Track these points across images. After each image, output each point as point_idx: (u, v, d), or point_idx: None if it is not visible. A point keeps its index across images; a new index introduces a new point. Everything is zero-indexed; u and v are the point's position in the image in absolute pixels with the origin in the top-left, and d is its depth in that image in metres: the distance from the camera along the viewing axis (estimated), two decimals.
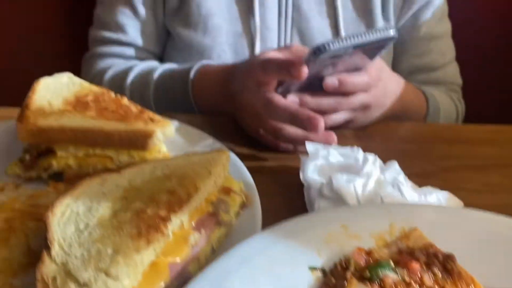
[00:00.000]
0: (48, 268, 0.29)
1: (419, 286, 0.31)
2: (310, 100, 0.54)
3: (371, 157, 0.46)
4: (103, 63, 0.77)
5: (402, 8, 0.79)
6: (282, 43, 0.77)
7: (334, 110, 0.56)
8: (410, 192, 0.43)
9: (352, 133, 0.60)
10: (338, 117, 0.57)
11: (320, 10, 0.77)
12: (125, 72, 0.73)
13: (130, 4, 0.76)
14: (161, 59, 0.81)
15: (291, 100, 0.53)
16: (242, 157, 0.48)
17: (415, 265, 0.32)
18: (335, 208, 0.40)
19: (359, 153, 0.48)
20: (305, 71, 0.49)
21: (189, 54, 0.77)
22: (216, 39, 0.75)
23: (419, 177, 0.49)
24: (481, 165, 0.57)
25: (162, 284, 0.30)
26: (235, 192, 0.39)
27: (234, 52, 0.76)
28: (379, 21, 0.78)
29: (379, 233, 0.35)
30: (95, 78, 0.74)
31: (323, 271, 0.33)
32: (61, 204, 0.34)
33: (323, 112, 0.53)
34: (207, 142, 0.48)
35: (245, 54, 0.76)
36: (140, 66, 0.74)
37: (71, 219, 0.33)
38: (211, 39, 0.74)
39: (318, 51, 0.48)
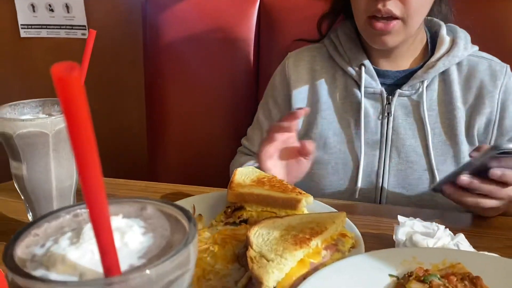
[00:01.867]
0: (251, 253, 0.58)
1: None
2: (476, 182, 0.75)
3: (442, 227, 0.69)
4: (237, 156, 1.17)
5: (484, 133, 1.00)
6: (383, 157, 1.01)
7: (491, 195, 0.77)
8: (466, 249, 0.64)
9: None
10: (491, 202, 0.77)
11: (413, 134, 1.01)
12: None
13: (260, 127, 1.13)
14: None
15: (464, 179, 0.75)
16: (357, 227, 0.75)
17: (453, 278, 0.54)
18: (411, 247, 0.64)
19: (437, 226, 0.70)
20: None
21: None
22: (331, 155, 1.03)
23: (486, 249, 0.69)
24: None
25: (306, 270, 0.57)
26: (348, 237, 0.66)
27: (344, 165, 1.02)
28: (464, 145, 0.99)
29: (436, 263, 0.58)
30: (233, 164, 1.14)
31: (397, 277, 0.56)
32: (253, 229, 0.64)
33: (482, 195, 0.76)
34: (329, 208, 0.76)
35: (353, 166, 1.02)
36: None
37: (259, 235, 0.63)
38: (328, 155, 1.03)
39: (495, 148, 0.70)
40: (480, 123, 1.00)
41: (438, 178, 0.98)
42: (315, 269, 0.58)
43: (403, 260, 0.58)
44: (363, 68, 1.02)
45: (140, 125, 1.67)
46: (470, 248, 0.66)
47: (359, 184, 1.01)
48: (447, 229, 0.70)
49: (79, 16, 1.94)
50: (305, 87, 1.08)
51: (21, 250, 0.29)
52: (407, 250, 0.60)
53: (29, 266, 0.28)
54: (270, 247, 0.59)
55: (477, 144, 1.00)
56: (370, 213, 0.85)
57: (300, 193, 0.74)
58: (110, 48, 1.92)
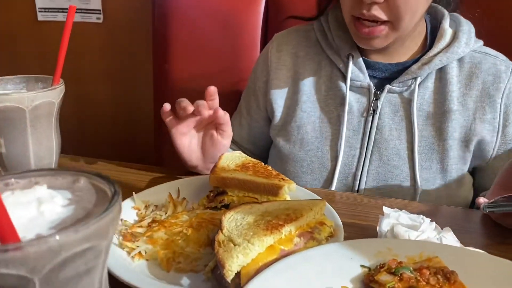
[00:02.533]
0: (220, 237, 0.57)
1: (426, 283, 0.50)
2: None
3: (427, 220, 0.66)
4: None
5: (486, 142, 0.91)
6: (363, 159, 0.93)
7: None
8: (449, 243, 0.61)
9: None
10: None
11: (399, 135, 0.92)
12: None
13: (239, 115, 1.09)
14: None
15: None
16: (341, 216, 0.72)
17: (426, 271, 0.51)
18: (388, 238, 0.61)
19: (423, 218, 0.67)
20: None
21: (286, 162, 0.97)
22: (308, 153, 0.95)
23: (474, 245, 0.66)
24: None
25: (274, 257, 0.56)
26: (326, 225, 0.64)
27: (320, 164, 0.95)
28: (454, 151, 0.90)
29: (412, 256, 0.55)
30: None
31: (369, 268, 0.54)
32: (229, 213, 0.63)
33: None
34: (313, 195, 0.74)
35: (329, 166, 0.94)
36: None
37: (233, 220, 0.61)
38: (304, 152, 0.96)
39: None
40: (480, 130, 0.90)
41: (420, 186, 0.90)
42: (285, 256, 0.56)
43: (377, 252, 0.56)
44: (350, 58, 0.94)
45: (149, 111, 1.67)
46: (456, 243, 0.63)
47: (334, 186, 0.94)
48: (434, 222, 0.67)
49: (94, 0, 1.95)
50: (287, 74, 1.00)
51: None
52: (382, 241, 0.58)
53: None
54: (240, 231, 0.57)
55: (471, 152, 0.92)
56: (361, 204, 0.82)
57: (283, 179, 0.72)
58: (122, 33, 1.93)
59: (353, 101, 0.95)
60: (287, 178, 0.73)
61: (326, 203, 0.69)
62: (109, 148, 2.05)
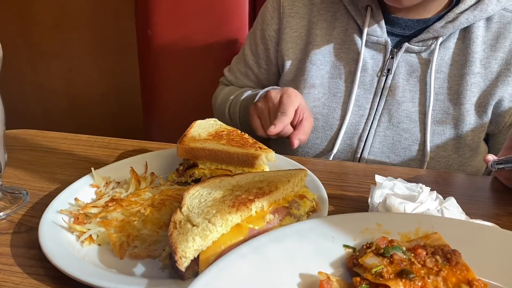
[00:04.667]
0: (178, 216, 0.48)
1: (422, 266, 0.41)
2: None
3: (427, 189, 0.57)
4: (219, 89, 1.06)
5: (505, 107, 0.83)
6: (371, 120, 0.87)
7: None
8: (452, 216, 0.52)
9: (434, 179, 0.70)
10: None
11: (413, 97, 0.85)
12: (227, 93, 1.00)
13: (244, 61, 1.02)
14: None
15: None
16: (328, 187, 0.63)
17: (421, 251, 0.42)
18: (378, 212, 0.52)
19: (421, 188, 0.58)
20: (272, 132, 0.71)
21: None
22: (313, 109, 0.89)
23: (482, 217, 0.56)
24: None
25: (241, 238, 0.47)
26: (308, 199, 0.54)
27: (325, 122, 0.89)
28: (470, 115, 0.83)
29: (405, 232, 0.46)
30: (215, 97, 1.05)
31: (354, 249, 0.45)
32: (194, 188, 0.54)
33: None
34: (297, 165, 0.65)
35: (334, 126, 0.88)
36: (240, 90, 0.98)
37: (197, 196, 0.52)
38: (310, 108, 0.88)
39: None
40: (501, 93, 0.82)
41: (428, 154, 0.84)
42: (255, 236, 0.47)
43: (364, 228, 0.47)
44: (369, 10, 0.86)
45: (136, 80, 1.58)
46: (460, 216, 0.54)
47: (337, 147, 0.88)
48: (434, 191, 0.57)
49: None
50: (300, 23, 0.92)
51: None
52: (371, 216, 0.49)
53: None
54: (202, 210, 0.49)
55: (489, 117, 0.84)
56: (353, 172, 0.73)
57: (261, 148, 0.63)
58: (108, 2, 1.83)
59: (368, 58, 0.87)
60: (266, 147, 0.64)
61: (309, 172, 0.60)
62: (100, 120, 1.98)
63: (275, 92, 0.79)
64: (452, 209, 0.54)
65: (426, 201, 0.55)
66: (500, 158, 0.61)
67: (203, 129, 0.69)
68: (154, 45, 1.36)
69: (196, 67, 1.34)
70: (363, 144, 0.88)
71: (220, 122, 0.72)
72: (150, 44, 1.38)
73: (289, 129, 0.76)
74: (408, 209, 0.53)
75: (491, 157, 0.63)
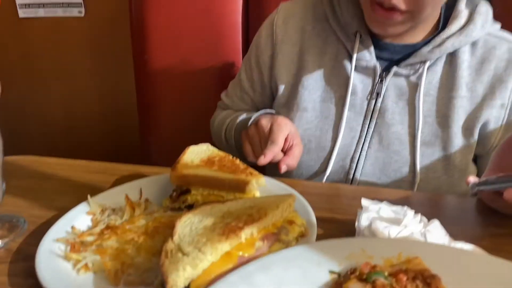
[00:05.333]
0: (169, 245, 0.50)
1: None
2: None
3: (411, 212, 0.58)
4: (216, 113, 1.09)
5: (489, 129, 0.86)
6: (362, 142, 0.89)
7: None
8: (434, 240, 0.53)
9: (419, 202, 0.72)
10: None
11: (402, 119, 0.87)
12: (224, 116, 1.02)
13: (240, 86, 1.04)
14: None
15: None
16: (318, 210, 0.65)
17: (403, 277, 0.44)
18: (362, 237, 0.54)
19: (407, 211, 0.60)
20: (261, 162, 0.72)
21: None
22: (306, 132, 0.91)
23: (465, 238, 0.58)
24: None
25: (231, 265, 0.48)
26: (296, 224, 0.56)
27: (318, 144, 0.91)
28: (457, 139, 0.85)
29: (388, 257, 0.48)
30: (213, 120, 1.08)
31: (339, 274, 0.47)
32: (186, 216, 0.56)
33: None
34: (287, 190, 0.67)
35: (326, 148, 0.90)
36: (236, 114, 1.00)
37: (188, 224, 0.54)
38: (302, 131, 0.91)
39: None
40: (486, 116, 0.85)
41: (418, 175, 0.86)
42: (244, 264, 0.49)
43: (349, 254, 0.49)
44: (358, 36, 0.89)
45: (133, 103, 1.61)
46: (443, 238, 0.56)
47: (330, 168, 0.89)
48: (419, 214, 0.59)
49: None
50: (292, 49, 0.95)
51: None
52: (356, 241, 0.51)
53: None
54: (193, 238, 0.50)
55: (475, 139, 0.86)
56: (343, 194, 0.75)
57: (251, 173, 0.65)
58: (104, 26, 1.87)
59: (357, 82, 0.90)
60: (256, 172, 0.66)
61: (299, 196, 0.62)
62: (97, 143, 2.00)
63: (266, 120, 0.81)
64: (436, 231, 0.56)
65: (411, 224, 0.57)
66: (480, 180, 0.63)
67: (196, 155, 0.72)
68: (151, 69, 1.39)
69: (191, 90, 1.37)
70: (355, 165, 0.90)
71: (212, 148, 0.74)
72: (147, 68, 1.41)
73: (280, 155, 0.78)
74: (392, 233, 0.55)
75: (472, 179, 0.65)
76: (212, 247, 0.48)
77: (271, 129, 0.79)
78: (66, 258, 0.56)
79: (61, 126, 2.08)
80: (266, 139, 0.79)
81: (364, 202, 0.61)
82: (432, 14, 0.84)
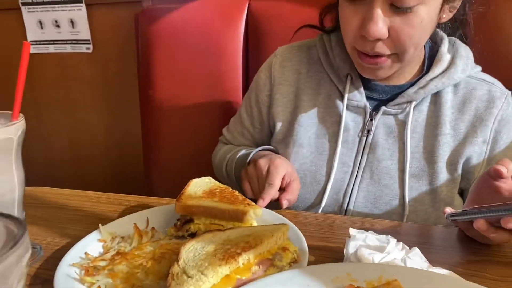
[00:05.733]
0: (175, 269, 0.56)
1: None
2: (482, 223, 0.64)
3: (394, 241, 0.64)
4: (218, 147, 1.16)
5: (472, 165, 0.92)
6: (354, 176, 0.95)
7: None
8: (413, 266, 0.59)
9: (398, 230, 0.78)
10: None
11: (391, 155, 0.93)
12: (226, 151, 1.09)
13: (240, 122, 1.12)
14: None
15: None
16: (311, 238, 0.71)
17: None
18: (348, 263, 0.60)
19: (390, 239, 0.66)
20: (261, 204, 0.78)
21: None
22: (301, 166, 0.97)
23: (443, 265, 0.64)
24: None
25: (230, 287, 0.54)
26: (289, 251, 0.62)
27: (313, 178, 0.97)
28: (443, 174, 0.91)
29: (370, 280, 0.54)
30: (215, 154, 1.14)
31: None
32: (190, 243, 0.62)
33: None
34: (282, 219, 0.73)
35: (321, 182, 0.96)
36: (236, 149, 1.07)
37: (192, 250, 0.60)
38: (298, 165, 0.97)
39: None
40: (468, 152, 0.91)
41: (407, 207, 0.91)
42: (241, 286, 0.55)
43: (335, 277, 0.55)
44: (349, 78, 0.96)
45: (137, 136, 1.68)
46: (423, 264, 0.61)
47: (324, 201, 0.95)
48: (401, 243, 0.65)
49: (83, 31, 1.99)
50: (289, 89, 1.03)
51: None
52: (342, 266, 0.56)
53: None
54: (196, 262, 0.56)
55: (459, 174, 0.92)
56: (335, 225, 0.81)
57: (249, 204, 0.71)
58: (110, 61, 1.96)
59: (349, 120, 0.96)
60: (254, 203, 0.72)
61: (292, 226, 0.68)
62: (102, 173, 2.06)
63: (263, 161, 0.88)
64: (415, 258, 0.62)
65: (393, 251, 0.63)
66: (454, 211, 0.70)
67: (198, 187, 0.78)
68: (155, 104, 1.47)
69: (193, 125, 1.45)
70: (348, 198, 0.96)
71: (214, 180, 0.81)
72: (151, 103, 1.49)
73: (276, 195, 0.84)
74: (376, 259, 0.61)
75: (448, 210, 0.72)
76: (213, 270, 0.54)
77: (268, 171, 0.86)
78: (81, 281, 0.61)
79: (65, 155, 2.14)
80: (263, 179, 0.85)
81: (352, 231, 0.68)
82: (417, 54, 0.90)
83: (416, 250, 0.64)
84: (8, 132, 0.63)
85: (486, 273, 0.64)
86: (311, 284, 0.54)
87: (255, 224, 0.71)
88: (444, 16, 0.88)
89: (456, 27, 0.97)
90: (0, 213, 0.34)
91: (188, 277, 0.54)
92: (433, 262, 0.63)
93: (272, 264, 0.60)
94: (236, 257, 0.56)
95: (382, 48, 0.84)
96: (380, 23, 0.80)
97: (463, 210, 0.68)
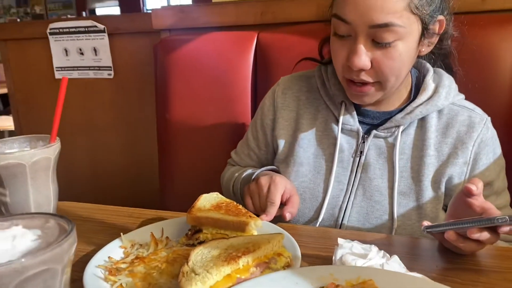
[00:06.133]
0: (185, 268, 0.66)
1: None
2: (485, 234, 0.72)
3: (376, 249, 0.74)
4: (226, 169, 1.27)
5: (454, 183, 1.01)
6: (349, 193, 1.05)
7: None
8: (390, 269, 0.69)
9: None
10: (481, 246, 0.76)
11: (382, 174, 1.03)
12: (233, 171, 1.20)
13: (247, 144, 1.23)
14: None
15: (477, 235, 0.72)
16: (306, 248, 0.81)
17: None
18: (331, 265, 0.69)
19: (372, 248, 0.75)
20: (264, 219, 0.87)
21: None
22: (301, 184, 1.08)
23: (421, 271, 0.73)
24: (483, 269, 0.76)
25: (231, 284, 0.64)
26: (284, 256, 0.72)
27: (311, 194, 1.07)
28: (428, 191, 1.00)
29: (349, 279, 0.63)
30: (223, 176, 1.25)
31: None
32: (198, 248, 0.72)
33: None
34: (279, 230, 0.83)
35: (319, 198, 1.06)
36: (243, 169, 1.18)
37: (200, 254, 0.70)
38: (298, 183, 1.08)
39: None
40: (450, 172, 1.00)
41: (396, 222, 1.00)
42: (240, 283, 0.65)
43: (320, 276, 0.64)
44: (343, 105, 1.08)
45: (154, 157, 1.80)
46: (400, 269, 0.71)
47: (322, 215, 1.05)
48: (382, 251, 0.74)
49: (105, 58, 2.14)
50: (290, 114, 1.15)
51: None
52: (326, 268, 0.66)
53: None
54: (203, 263, 0.67)
55: (443, 191, 1.00)
56: (328, 237, 0.90)
57: (251, 216, 0.82)
58: (130, 87, 2.10)
59: (344, 142, 1.07)
60: (255, 216, 0.82)
61: (288, 235, 0.78)
62: (119, 192, 2.18)
63: (265, 180, 0.98)
64: (394, 264, 0.71)
65: (374, 258, 0.72)
66: (429, 224, 0.79)
67: (207, 201, 0.89)
68: (171, 126, 1.60)
69: (205, 146, 1.56)
70: (343, 213, 1.05)
71: (221, 196, 0.92)
72: (167, 125, 1.62)
73: (277, 211, 0.94)
74: (358, 264, 0.71)
75: (425, 223, 0.81)
76: (217, 269, 0.64)
77: (269, 189, 0.96)
78: (106, 280, 0.72)
79: (85, 174, 2.28)
80: (264, 196, 0.95)
81: (340, 240, 0.77)
82: (398, 82, 0.99)
83: (395, 258, 0.73)
84: (47, 152, 0.76)
85: (458, 278, 0.73)
86: (299, 282, 0.63)
87: (255, 233, 0.81)
88: (423, 50, 0.99)
89: (436, 57, 1.08)
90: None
91: (196, 274, 0.64)
92: (410, 268, 0.72)
93: (268, 266, 0.70)
94: (237, 259, 0.67)
95: (366, 76, 0.95)
96: (363, 56, 0.92)
97: (437, 224, 0.77)
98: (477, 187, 0.76)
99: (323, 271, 0.65)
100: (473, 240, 0.73)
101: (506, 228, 0.70)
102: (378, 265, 0.70)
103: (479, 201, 0.77)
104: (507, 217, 0.68)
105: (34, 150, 0.75)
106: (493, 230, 0.72)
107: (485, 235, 0.71)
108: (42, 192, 0.77)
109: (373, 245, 0.76)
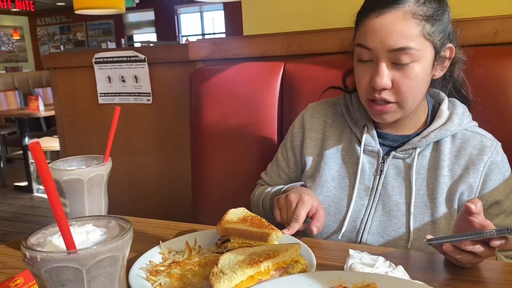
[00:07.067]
0: (215, 269, 0.78)
1: None
2: (478, 246, 0.81)
3: (382, 259, 0.83)
4: (256, 188, 1.39)
5: (464, 200, 1.09)
6: (370, 208, 1.15)
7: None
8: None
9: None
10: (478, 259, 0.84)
11: (400, 192, 1.13)
12: (263, 189, 1.32)
13: (277, 164, 1.35)
14: None
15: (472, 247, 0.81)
16: (322, 258, 0.91)
17: None
18: (341, 271, 0.79)
19: (379, 258, 0.85)
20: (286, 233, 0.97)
21: None
22: (326, 198, 1.19)
23: (424, 281, 0.82)
24: (482, 281, 0.84)
25: (253, 283, 0.76)
26: (300, 263, 0.83)
27: (335, 208, 1.18)
28: (442, 208, 1.09)
29: (355, 282, 0.73)
30: (253, 194, 1.37)
31: None
32: (226, 254, 0.84)
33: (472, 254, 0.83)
34: (296, 241, 0.94)
35: (342, 211, 1.17)
36: (273, 187, 1.30)
37: (227, 258, 0.82)
38: (323, 197, 1.19)
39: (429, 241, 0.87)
40: (462, 190, 1.10)
41: (412, 235, 1.10)
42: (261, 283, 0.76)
43: (330, 280, 0.74)
44: (366, 128, 1.20)
45: (187, 178, 1.93)
46: (404, 277, 0.80)
47: (344, 228, 1.16)
48: (388, 261, 0.84)
49: (145, 85, 2.32)
50: (317, 136, 1.28)
51: (33, 239, 0.53)
52: (335, 273, 0.76)
53: (34, 246, 0.52)
54: (230, 266, 0.78)
55: (455, 208, 1.10)
56: (343, 250, 1.00)
57: (273, 228, 0.93)
58: (167, 112, 2.27)
59: (366, 162, 1.19)
60: (276, 228, 0.94)
61: (305, 246, 0.89)
62: (154, 208, 2.33)
63: (294, 196, 1.08)
64: (398, 273, 0.81)
65: (380, 267, 0.82)
66: (432, 237, 0.88)
67: (235, 215, 1.01)
68: (203, 148, 1.74)
69: (235, 168, 1.69)
70: (364, 226, 1.16)
71: (247, 210, 1.03)
72: (200, 148, 1.76)
73: (301, 227, 1.04)
74: (365, 271, 0.80)
75: (428, 236, 0.90)
76: (242, 271, 0.76)
77: (297, 205, 1.07)
78: (147, 279, 0.85)
79: (124, 192, 2.44)
80: (292, 211, 1.07)
81: (351, 251, 0.87)
82: (415, 103, 1.10)
83: (400, 267, 0.83)
84: (101, 170, 0.90)
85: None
86: (312, 284, 0.74)
87: (276, 243, 0.92)
88: (436, 73, 1.11)
89: (448, 83, 1.19)
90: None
91: (224, 274, 0.75)
92: (413, 278, 0.81)
93: (286, 271, 0.80)
94: (259, 263, 0.78)
95: (387, 95, 1.07)
96: (385, 77, 1.04)
97: (438, 237, 0.86)
98: (476, 206, 0.85)
99: (333, 275, 0.75)
100: (469, 253, 0.81)
101: (497, 242, 0.79)
102: (383, 273, 0.80)
103: (479, 219, 0.86)
104: (493, 231, 0.76)
105: (91, 168, 0.89)
106: (487, 244, 0.81)
107: (478, 248, 0.80)
108: (96, 204, 0.91)
109: (380, 256, 0.86)
